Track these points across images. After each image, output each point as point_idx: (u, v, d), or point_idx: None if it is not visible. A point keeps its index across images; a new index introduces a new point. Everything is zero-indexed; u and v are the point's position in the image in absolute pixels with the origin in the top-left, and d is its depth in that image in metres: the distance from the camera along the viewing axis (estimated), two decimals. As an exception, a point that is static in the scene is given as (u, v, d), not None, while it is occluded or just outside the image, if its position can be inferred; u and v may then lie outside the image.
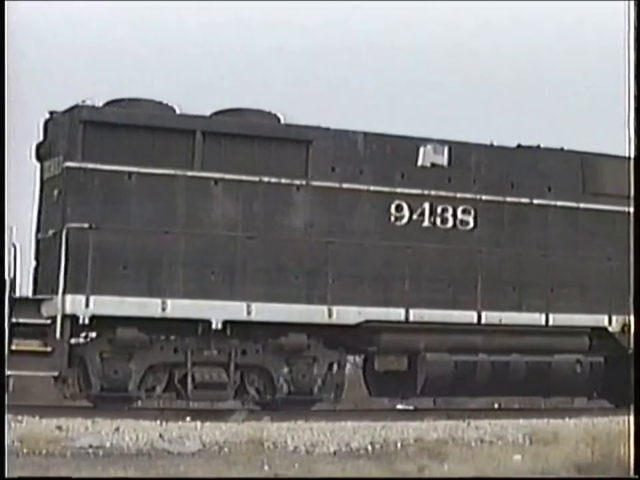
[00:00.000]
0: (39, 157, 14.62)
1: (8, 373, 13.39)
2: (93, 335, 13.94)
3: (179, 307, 13.64)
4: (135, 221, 13.79)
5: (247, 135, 14.31)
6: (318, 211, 14.46)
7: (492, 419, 13.12)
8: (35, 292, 14.23)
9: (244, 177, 14.17)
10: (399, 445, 11.28)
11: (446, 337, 14.63)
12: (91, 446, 10.59)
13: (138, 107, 14.26)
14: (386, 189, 14.75)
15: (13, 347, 13.34)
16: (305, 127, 14.57)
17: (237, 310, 13.81)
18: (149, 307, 13.56)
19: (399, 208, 14.77)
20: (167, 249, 13.75)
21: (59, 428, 11.22)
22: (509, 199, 15.19)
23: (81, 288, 13.38)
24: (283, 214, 14.34)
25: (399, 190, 14.80)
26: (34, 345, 13.52)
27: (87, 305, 13.37)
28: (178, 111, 14.49)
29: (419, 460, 10.13)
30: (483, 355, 14.79)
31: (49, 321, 13.47)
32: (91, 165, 13.80)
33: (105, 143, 13.91)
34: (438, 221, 14.95)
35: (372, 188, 14.69)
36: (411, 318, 14.40)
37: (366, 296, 14.35)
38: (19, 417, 11.69)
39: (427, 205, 14.90)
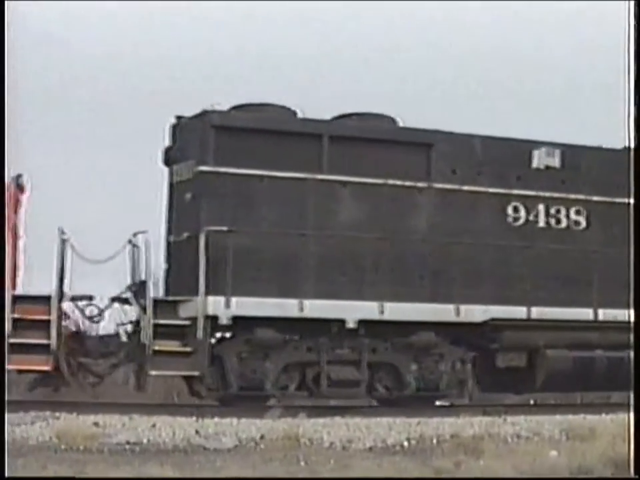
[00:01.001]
0: (168, 162, 14.92)
1: (153, 372, 13.88)
2: (226, 335, 14.35)
3: (315, 307, 14.00)
4: (268, 224, 14.13)
5: (371, 139, 14.67)
6: (440, 213, 14.84)
7: (528, 415, 13.24)
8: (166, 293, 14.54)
9: (370, 180, 14.54)
10: (434, 440, 11.29)
11: (564, 334, 15.07)
12: (127, 442, 10.66)
13: (264, 111, 14.62)
14: (503, 191, 15.16)
15: (156, 348, 13.70)
16: (426, 130, 14.95)
17: (369, 310, 14.18)
18: (286, 307, 13.91)
19: (515, 209, 15.20)
20: (300, 250, 14.13)
21: (96, 424, 11.30)
22: (617, 200, 15.61)
23: (221, 289, 13.72)
24: (407, 216, 14.72)
25: (515, 192, 15.21)
26: (174, 345, 13.88)
27: (228, 306, 13.73)
28: (300, 115, 14.89)
29: (455, 456, 10.22)
30: (599, 350, 15.26)
31: (188, 322, 13.86)
32: (223, 169, 14.13)
33: (235, 147, 14.22)
34: (552, 221, 15.39)
35: (490, 190, 15.11)
36: (533, 315, 14.85)
37: (489, 294, 14.75)
38: (57, 414, 11.88)
39: (541, 206, 15.32)
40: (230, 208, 14.07)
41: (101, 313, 14.23)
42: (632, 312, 12.44)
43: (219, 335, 14.27)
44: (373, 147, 14.68)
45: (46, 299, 13.63)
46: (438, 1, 28.27)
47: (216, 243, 13.74)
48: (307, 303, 13.93)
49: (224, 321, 13.74)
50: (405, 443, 11.14)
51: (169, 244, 14.70)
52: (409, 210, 14.75)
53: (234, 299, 13.72)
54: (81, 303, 14.16)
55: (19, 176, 13.94)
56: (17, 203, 13.93)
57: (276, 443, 10.84)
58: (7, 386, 14.81)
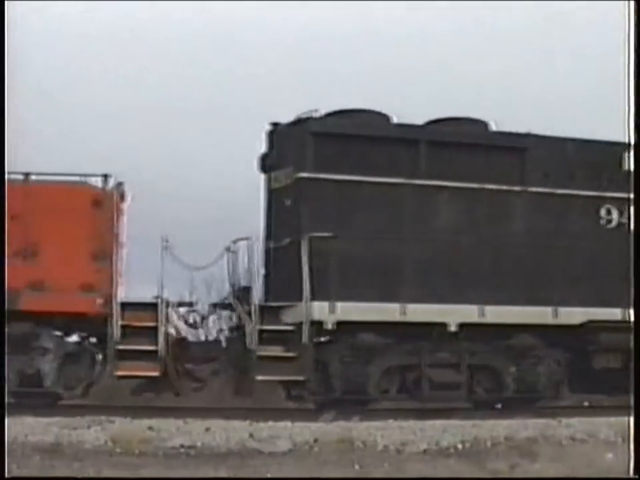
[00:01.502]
0: (264, 168, 15.09)
1: (259, 378, 14.05)
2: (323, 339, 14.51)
3: (417, 312, 14.14)
4: (367, 229, 14.27)
5: (466, 144, 14.79)
6: (535, 216, 14.95)
7: (583, 417, 13.13)
8: (266, 299, 14.70)
9: (467, 185, 14.67)
10: (489, 443, 11.11)
11: (660, 335, 15.14)
12: (182, 446, 10.61)
13: (359, 117, 14.76)
14: (596, 194, 15.26)
15: (262, 354, 13.88)
16: (519, 134, 15.06)
17: (470, 313, 14.30)
18: (388, 312, 14.05)
19: (608, 211, 15.31)
20: (399, 255, 14.27)
21: (151, 428, 11.29)
22: None
23: (325, 295, 13.89)
24: (503, 219, 14.84)
25: (607, 194, 15.31)
26: (278, 350, 14.04)
27: (332, 311, 13.89)
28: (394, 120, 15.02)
29: (509, 458, 10.21)
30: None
31: (292, 328, 14.04)
32: (322, 175, 14.28)
33: (333, 153, 14.38)
34: (644, 223, 15.46)
35: (583, 193, 15.22)
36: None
37: (586, 296, 14.84)
38: (112, 418, 11.90)
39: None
40: (330, 214, 14.21)
41: (203, 319, 14.44)
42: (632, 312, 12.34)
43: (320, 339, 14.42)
44: (468, 151, 14.78)
45: (152, 306, 13.86)
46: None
47: (318, 248, 13.90)
48: (409, 307, 14.08)
49: (329, 325, 13.91)
50: (459, 446, 11.00)
51: (268, 250, 14.85)
52: (505, 214, 14.87)
53: (338, 304, 13.88)
54: (183, 309, 14.40)
55: (119, 184, 14.13)
56: (119, 211, 14.11)
57: (330, 446, 10.80)
58: (109, 390, 15.20)
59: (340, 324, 13.98)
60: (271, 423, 11.96)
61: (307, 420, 12.30)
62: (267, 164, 15.04)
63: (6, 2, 11.34)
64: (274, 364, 13.91)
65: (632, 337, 11.95)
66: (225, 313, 15.00)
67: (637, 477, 8.94)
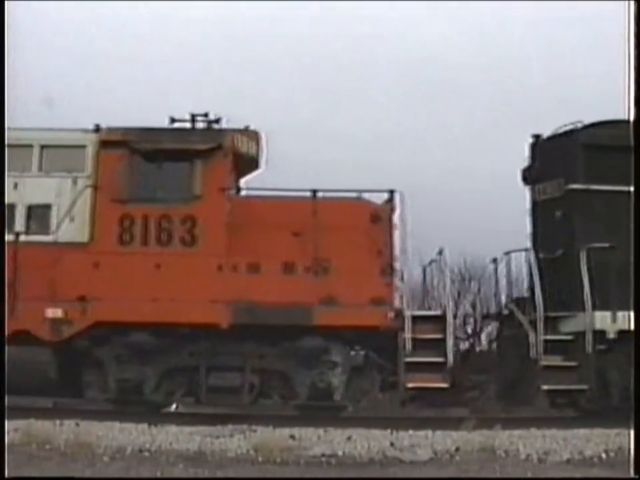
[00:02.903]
0: (528, 180, 15.29)
1: (544, 387, 14.25)
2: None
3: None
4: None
5: None
6: None
7: None
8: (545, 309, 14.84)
9: None
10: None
11: None
12: (323, 455, 10.74)
13: (619, 127, 14.80)
14: None
15: (545, 363, 14.08)
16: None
17: None
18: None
19: None
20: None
21: (292, 437, 11.47)
22: None
23: (605, 304, 14.05)
24: None
25: None
26: (559, 360, 14.23)
27: (614, 321, 14.04)
28: None
29: None
30: None
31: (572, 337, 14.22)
32: (593, 186, 14.47)
33: (602, 164, 14.54)
34: None
35: None
36: None
37: None
38: (254, 427, 12.11)
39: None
40: (602, 224, 14.39)
41: (480, 329, 14.71)
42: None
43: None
44: None
45: (439, 318, 14.13)
46: None
47: (596, 259, 14.06)
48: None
49: (611, 335, 14.06)
50: (603, 455, 10.88)
51: (539, 260, 15.02)
52: None
53: (619, 314, 14.03)
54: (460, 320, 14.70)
55: (391, 197, 14.32)
56: (393, 224, 14.34)
57: (471, 455, 10.82)
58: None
59: (620, 333, 14.13)
60: (411, 432, 12.03)
61: (448, 428, 12.31)
62: (530, 176, 15.24)
63: (6, 2, 11.73)
64: (556, 373, 14.10)
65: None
66: (494, 323, 15.23)
67: (637, 477, 8.99)
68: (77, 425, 11.94)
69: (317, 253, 13.82)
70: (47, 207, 14.11)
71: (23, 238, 13.79)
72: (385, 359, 14.18)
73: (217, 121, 14.44)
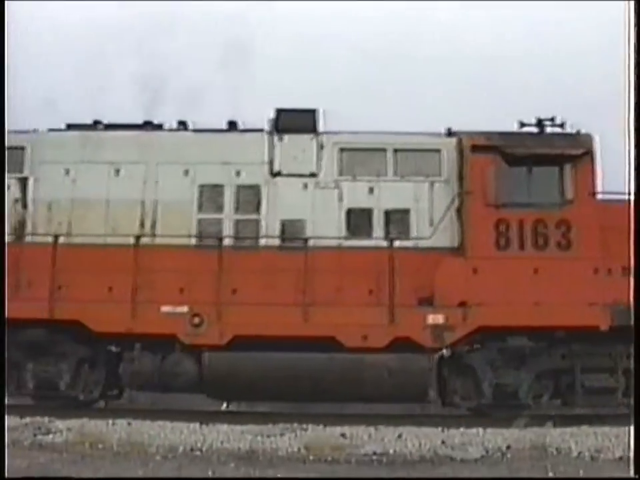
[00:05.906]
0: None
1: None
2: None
3: None
4: None
5: None
6: None
7: None
8: None
9: None
10: None
11: None
12: (374, 453, 10.74)
13: None
14: None
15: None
16: None
17: None
18: None
19: None
20: None
21: (343, 435, 11.48)
22: None
23: None
24: None
25: None
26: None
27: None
28: None
29: None
30: None
31: None
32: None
33: None
34: None
35: None
36: None
37: None
38: (304, 425, 12.06)
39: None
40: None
41: None
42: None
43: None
44: None
45: None
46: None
47: None
48: None
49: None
50: None
51: None
52: None
53: None
54: None
55: None
56: None
57: (523, 452, 10.80)
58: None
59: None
60: (462, 430, 11.97)
61: (499, 426, 12.23)
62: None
63: (6, 2, 11.69)
64: None
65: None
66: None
67: (637, 477, 8.89)
68: (129, 424, 12.01)
69: None
70: (405, 211, 14.32)
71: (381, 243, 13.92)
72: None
73: (562, 125, 14.51)
